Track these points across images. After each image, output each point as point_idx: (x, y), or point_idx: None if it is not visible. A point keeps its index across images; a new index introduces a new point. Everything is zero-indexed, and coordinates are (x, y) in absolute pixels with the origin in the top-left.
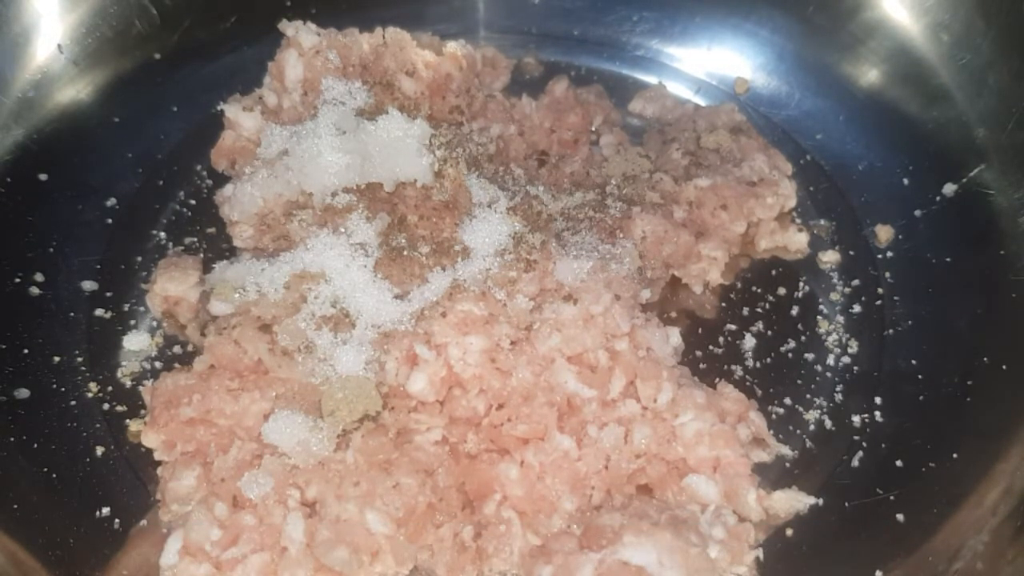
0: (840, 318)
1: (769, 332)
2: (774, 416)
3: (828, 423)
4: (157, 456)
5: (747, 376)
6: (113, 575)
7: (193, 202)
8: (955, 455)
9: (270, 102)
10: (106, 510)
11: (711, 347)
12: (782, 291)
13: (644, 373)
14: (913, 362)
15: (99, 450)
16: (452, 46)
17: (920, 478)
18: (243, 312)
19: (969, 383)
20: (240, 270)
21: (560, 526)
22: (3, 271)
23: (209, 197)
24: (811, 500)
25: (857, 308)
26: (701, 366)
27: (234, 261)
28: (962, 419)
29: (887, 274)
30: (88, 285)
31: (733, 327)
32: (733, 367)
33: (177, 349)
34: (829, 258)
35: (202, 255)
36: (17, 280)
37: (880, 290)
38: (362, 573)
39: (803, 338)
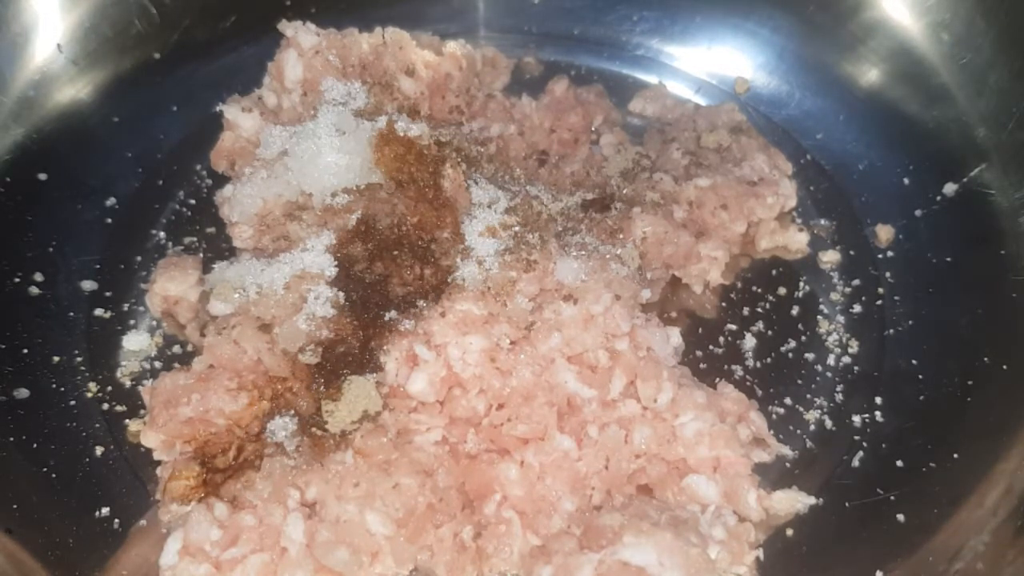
0: (840, 318)
1: (769, 332)
2: (774, 416)
3: (828, 423)
4: (156, 456)
5: (747, 376)
6: (112, 575)
7: (193, 202)
8: (956, 455)
9: (269, 102)
10: (105, 510)
11: (711, 347)
12: (782, 291)
13: (644, 373)
14: (914, 362)
15: (99, 450)
16: (452, 46)
17: (921, 478)
18: (242, 312)
19: (970, 383)
20: (240, 270)
21: (560, 526)
22: (2, 271)
23: (209, 197)
24: (811, 500)
25: (857, 308)
26: (701, 366)
27: (234, 261)
28: (963, 419)
29: (887, 274)
30: (88, 285)
31: (733, 327)
32: (733, 367)
33: (177, 349)
34: (829, 258)
35: (202, 255)
36: (16, 280)
37: (880, 290)
38: (362, 574)
39: (803, 338)
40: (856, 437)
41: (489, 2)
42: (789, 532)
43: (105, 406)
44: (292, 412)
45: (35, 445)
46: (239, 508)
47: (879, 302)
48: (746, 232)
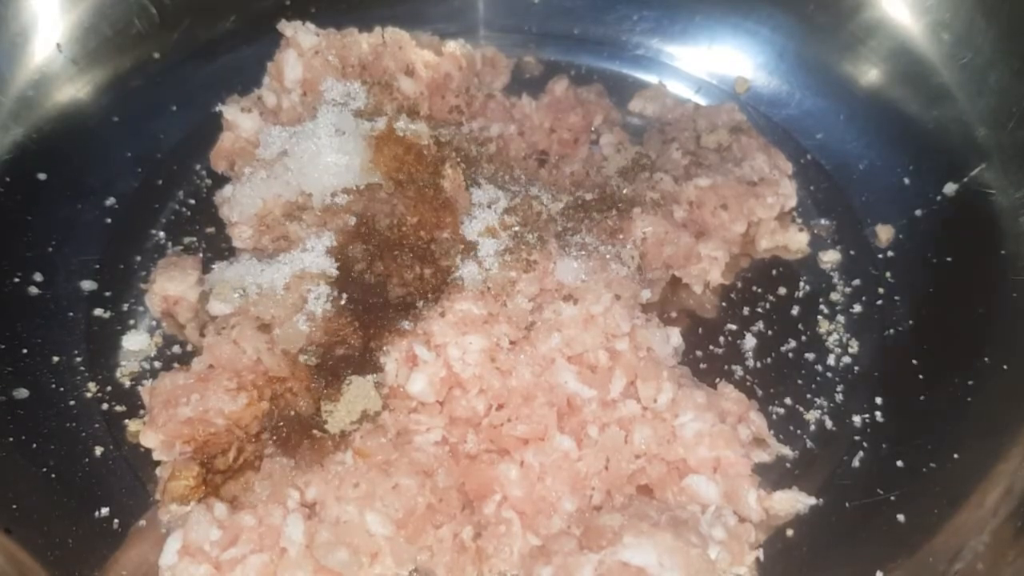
0: (841, 318)
1: (770, 332)
2: (774, 416)
3: (829, 423)
4: (156, 456)
5: (747, 376)
6: (112, 575)
7: (192, 202)
8: (956, 455)
9: (269, 102)
10: (105, 510)
11: (711, 347)
12: (783, 291)
13: (644, 373)
14: (914, 362)
15: (98, 450)
16: (452, 45)
17: (921, 479)
18: (242, 312)
19: (970, 383)
20: (239, 270)
21: (560, 527)
22: (2, 271)
23: (208, 197)
24: (812, 501)
25: (858, 308)
26: (701, 366)
27: (233, 261)
28: (963, 419)
29: (888, 274)
30: (87, 285)
31: (733, 327)
32: (733, 367)
33: (176, 349)
34: (830, 258)
35: (201, 255)
36: (16, 280)
37: (881, 290)
38: (362, 574)
39: (804, 338)
40: (856, 437)
41: (489, 2)
42: (789, 532)
43: (104, 406)
44: (292, 412)
45: (34, 445)
46: (239, 508)
47: (879, 302)
48: (746, 232)
